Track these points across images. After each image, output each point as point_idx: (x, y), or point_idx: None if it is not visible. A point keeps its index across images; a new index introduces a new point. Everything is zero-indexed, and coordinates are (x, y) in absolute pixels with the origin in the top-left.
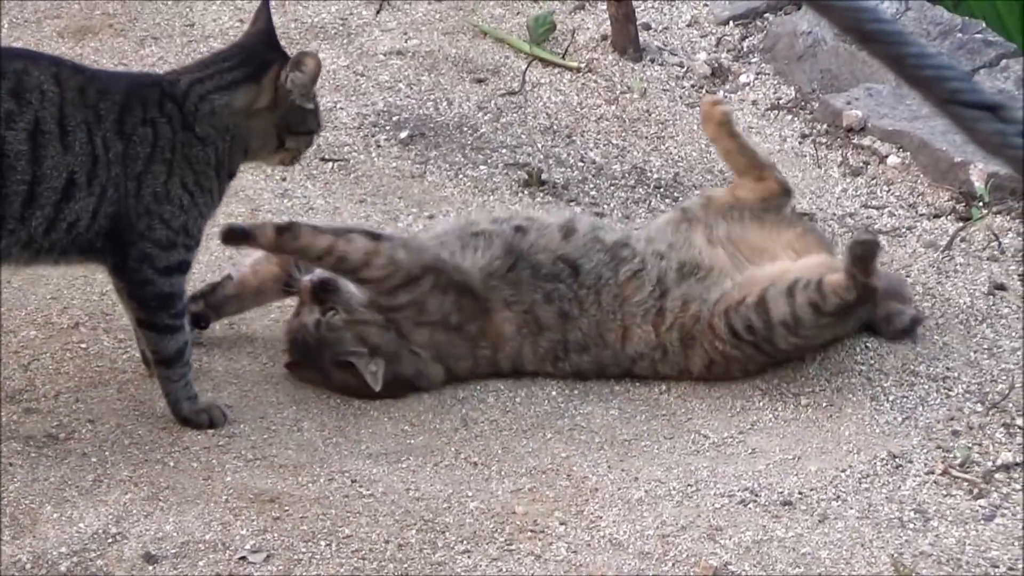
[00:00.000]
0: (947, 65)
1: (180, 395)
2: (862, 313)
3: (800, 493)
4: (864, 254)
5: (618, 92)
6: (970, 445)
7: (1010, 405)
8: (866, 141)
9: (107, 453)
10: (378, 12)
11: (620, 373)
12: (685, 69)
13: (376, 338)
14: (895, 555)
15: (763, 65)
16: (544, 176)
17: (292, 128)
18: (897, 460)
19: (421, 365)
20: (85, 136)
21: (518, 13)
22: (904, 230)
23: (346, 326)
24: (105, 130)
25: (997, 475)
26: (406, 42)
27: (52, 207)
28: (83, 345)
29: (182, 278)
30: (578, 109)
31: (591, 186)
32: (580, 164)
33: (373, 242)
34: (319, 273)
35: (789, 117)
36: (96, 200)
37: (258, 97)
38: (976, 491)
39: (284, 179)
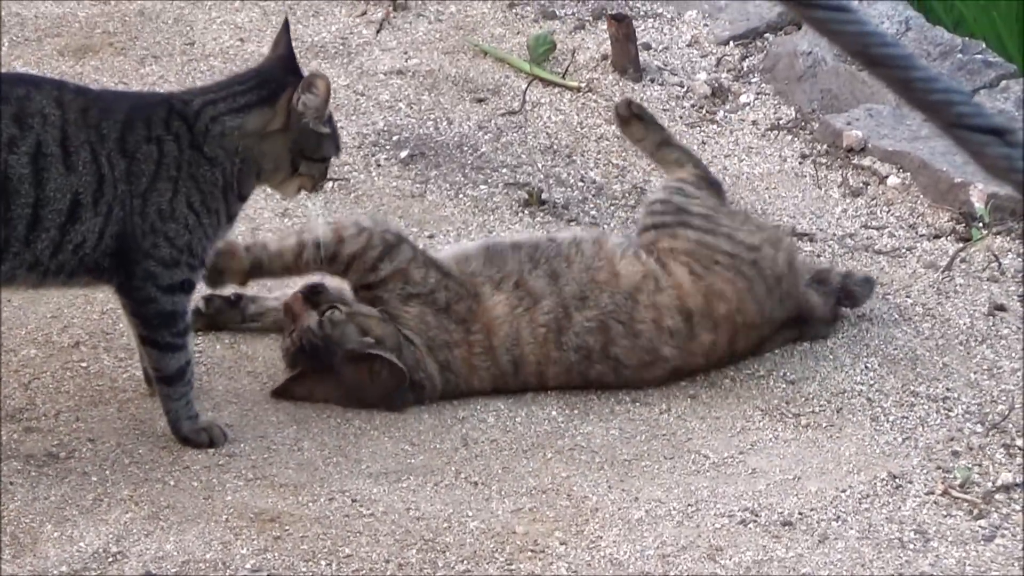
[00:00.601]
0: (954, 89)
1: (180, 414)
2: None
3: (800, 513)
4: None
5: None
6: (970, 466)
7: (1010, 426)
8: (866, 161)
9: (107, 472)
10: (378, 32)
11: (627, 322)
12: (685, 89)
13: (378, 329)
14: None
15: (763, 85)
16: (544, 196)
17: (306, 153)
18: (897, 480)
19: (418, 355)
20: (89, 156)
21: (518, 33)
22: (904, 250)
23: (348, 319)
24: (109, 149)
25: (997, 496)
26: (406, 62)
27: (57, 229)
28: (83, 364)
29: (185, 297)
30: (578, 129)
31: (591, 206)
32: (580, 184)
33: (334, 222)
34: (302, 284)
35: (789, 137)
36: (103, 220)
37: (271, 120)
38: (976, 512)
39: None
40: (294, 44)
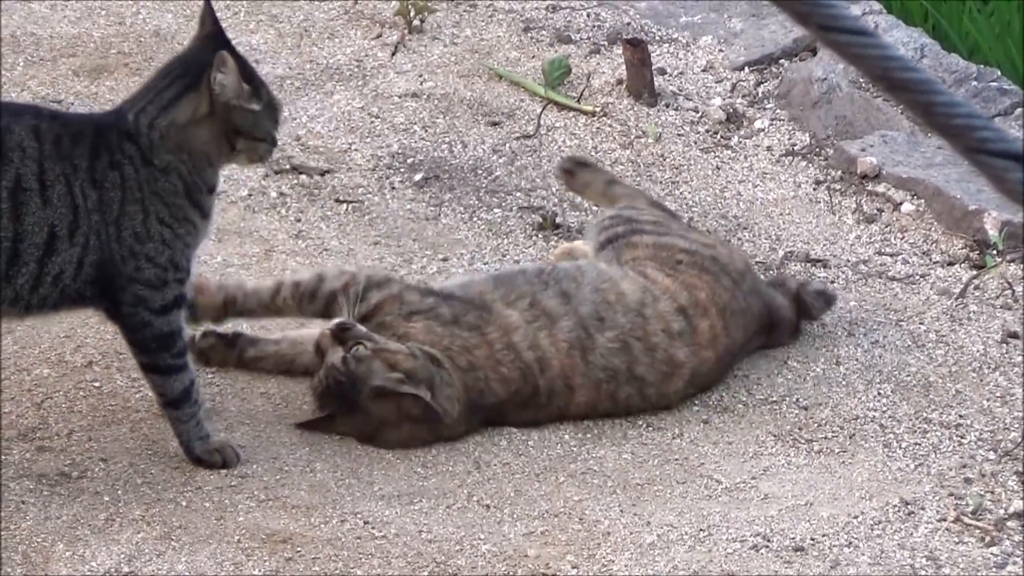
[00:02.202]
0: (976, 114)
1: (191, 435)
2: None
3: (812, 539)
4: None
5: (633, 136)
6: (982, 493)
7: (1022, 453)
8: (880, 188)
9: (119, 492)
10: (393, 54)
11: (643, 338)
12: (700, 114)
13: (407, 363)
14: None
15: (778, 111)
16: (558, 220)
17: (243, 131)
18: (909, 507)
19: (447, 379)
20: (64, 188)
21: (533, 57)
22: (918, 277)
23: (374, 355)
24: (81, 179)
25: (1009, 523)
26: (421, 84)
27: (36, 263)
28: (96, 384)
29: (179, 313)
30: (593, 153)
31: None
32: (594, 208)
33: (312, 268)
34: (332, 322)
35: (804, 163)
36: (80, 250)
37: (199, 106)
38: (988, 539)
39: (299, 220)
40: (308, 65)
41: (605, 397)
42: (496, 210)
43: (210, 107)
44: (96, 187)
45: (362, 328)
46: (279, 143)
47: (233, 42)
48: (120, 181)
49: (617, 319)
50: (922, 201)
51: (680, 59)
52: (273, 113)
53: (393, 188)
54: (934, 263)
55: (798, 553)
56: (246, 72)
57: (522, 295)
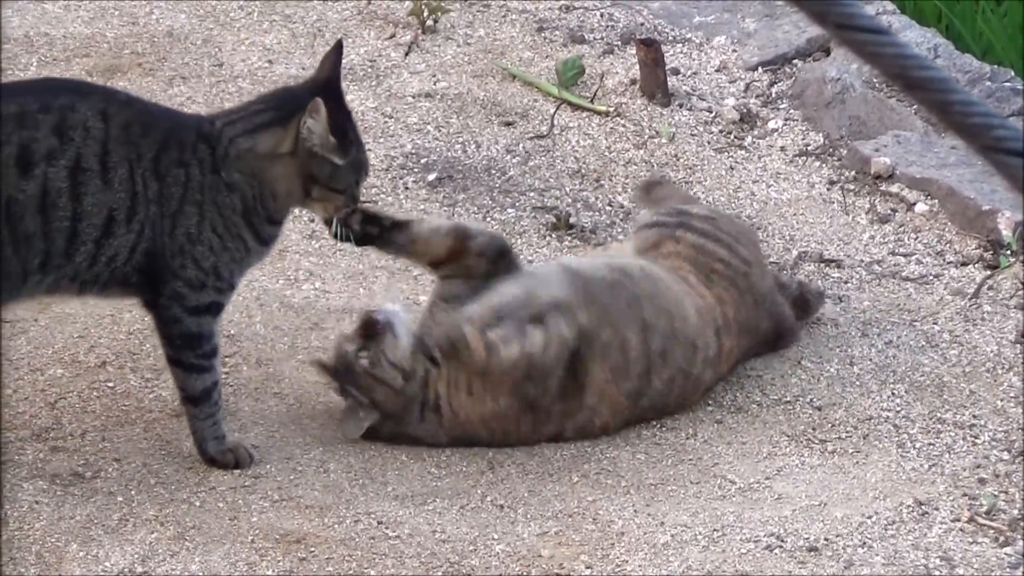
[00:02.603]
0: (992, 113)
1: (207, 434)
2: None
3: (826, 539)
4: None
5: (646, 136)
6: (996, 493)
7: None
8: (894, 188)
9: (133, 492)
10: (407, 54)
11: (688, 372)
12: (713, 114)
13: (381, 396)
14: None
15: (791, 111)
16: (572, 220)
17: (320, 180)
18: (923, 507)
19: (431, 430)
20: (126, 173)
21: (547, 57)
22: (931, 278)
23: (363, 374)
24: (144, 168)
25: (1023, 523)
26: (435, 84)
27: (93, 243)
28: (110, 384)
29: (211, 319)
30: (606, 153)
31: (619, 230)
32: (608, 208)
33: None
34: (385, 309)
35: (817, 163)
36: (135, 237)
37: (281, 142)
38: (1002, 539)
39: (312, 220)
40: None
41: (627, 420)
42: (510, 210)
43: (292, 147)
44: (158, 179)
45: (384, 344)
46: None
47: (246, 42)
48: (184, 179)
49: (675, 354)
50: (936, 201)
51: (694, 59)
52: (357, 172)
53: (407, 188)
54: (948, 263)
55: (812, 553)
56: (340, 125)
57: (613, 336)
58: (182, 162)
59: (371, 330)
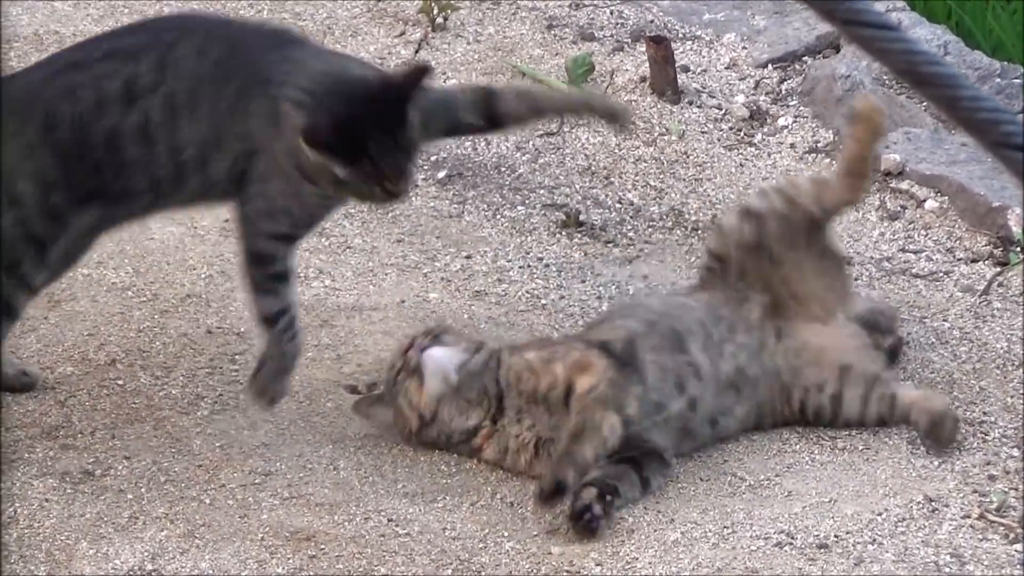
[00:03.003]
0: (1001, 109)
1: (274, 353)
2: None
3: (836, 536)
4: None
5: (656, 134)
6: (1006, 489)
7: None
8: (904, 185)
9: (143, 490)
10: (417, 52)
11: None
12: (723, 111)
13: (400, 424)
14: None
15: (801, 108)
16: (582, 217)
17: (332, 183)
18: (933, 504)
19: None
20: (208, 109)
21: (557, 54)
22: (941, 274)
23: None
24: (226, 104)
25: None
26: (445, 82)
27: (197, 173)
28: (120, 382)
29: (280, 246)
30: (616, 151)
31: (629, 228)
32: (618, 205)
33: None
34: (432, 354)
35: (827, 160)
36: (229, 164)
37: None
38: (1012, 536)
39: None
40: None
41: None
42: (520, 207)
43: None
44: (242, 119)
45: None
46: None
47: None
48: (255, 126)
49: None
50: (946, 198)
51: (703, 56)
52: (372, 180)
53: (416, 185)
54: (958, 260)
55: (822, 550)
56: (358, 135)
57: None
58: (253, 112)
59: (404, 362)
